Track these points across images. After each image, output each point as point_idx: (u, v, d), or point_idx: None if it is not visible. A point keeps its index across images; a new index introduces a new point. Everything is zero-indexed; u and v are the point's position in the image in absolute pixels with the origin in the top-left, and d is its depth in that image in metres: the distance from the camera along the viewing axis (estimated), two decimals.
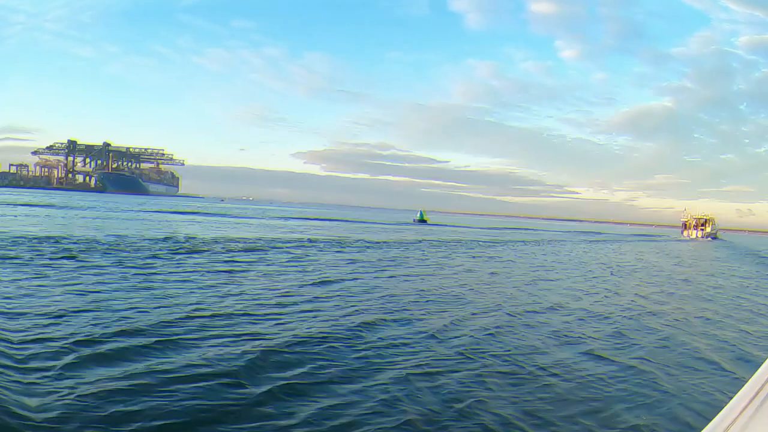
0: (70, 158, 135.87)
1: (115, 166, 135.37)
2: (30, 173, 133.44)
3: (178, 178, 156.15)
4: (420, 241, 22.79)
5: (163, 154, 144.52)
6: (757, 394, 0.88)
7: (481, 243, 25.91)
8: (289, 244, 16.27)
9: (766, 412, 1.17)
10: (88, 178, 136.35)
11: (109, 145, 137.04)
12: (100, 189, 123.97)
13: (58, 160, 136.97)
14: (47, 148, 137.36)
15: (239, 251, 13.06)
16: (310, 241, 18.52)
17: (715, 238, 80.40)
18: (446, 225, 51.94)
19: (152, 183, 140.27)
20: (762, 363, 0.97)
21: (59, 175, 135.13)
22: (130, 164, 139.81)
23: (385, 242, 20.92)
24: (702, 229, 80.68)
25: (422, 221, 52.58)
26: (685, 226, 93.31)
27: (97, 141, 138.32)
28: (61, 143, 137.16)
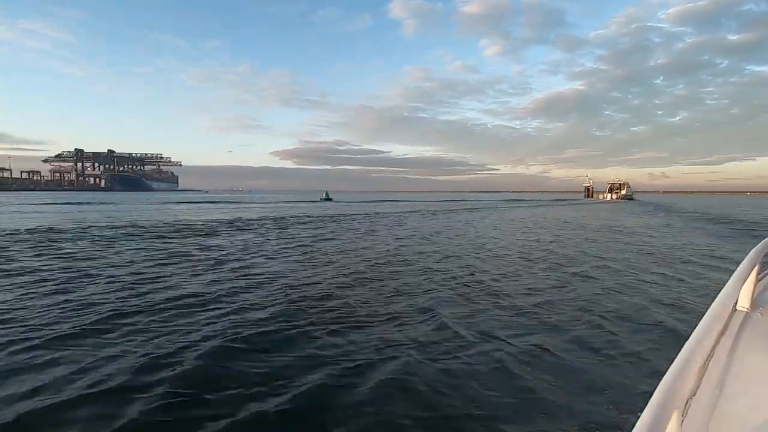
0: (79, 164, 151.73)
1: (120, 169, 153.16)
2: (42, 178, 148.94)
3: (177, 176, 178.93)
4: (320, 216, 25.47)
5: (162, 158, 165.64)
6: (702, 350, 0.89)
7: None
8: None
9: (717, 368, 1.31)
10: (98, 180, 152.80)
11: (113, 152, 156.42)
12: (108, 189, 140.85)
13: (71, 165, 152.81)
14: (56, 156, 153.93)
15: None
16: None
17: (631, 198, 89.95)
18: (347, 202, 57.91)
19: (155, 182, 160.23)
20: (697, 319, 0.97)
21: (71, 179, 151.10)
22: (134, 167, 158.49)
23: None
24: (617, 192, 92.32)
25: (328, 200, 60.40)
26: (587, 191, 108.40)
27: (101, 149, 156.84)
28: (69, 152, 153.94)
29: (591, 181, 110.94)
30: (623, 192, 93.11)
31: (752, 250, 1.85)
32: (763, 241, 2.00)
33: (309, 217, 24.25)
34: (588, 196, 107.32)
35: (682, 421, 1.10)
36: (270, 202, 50.23)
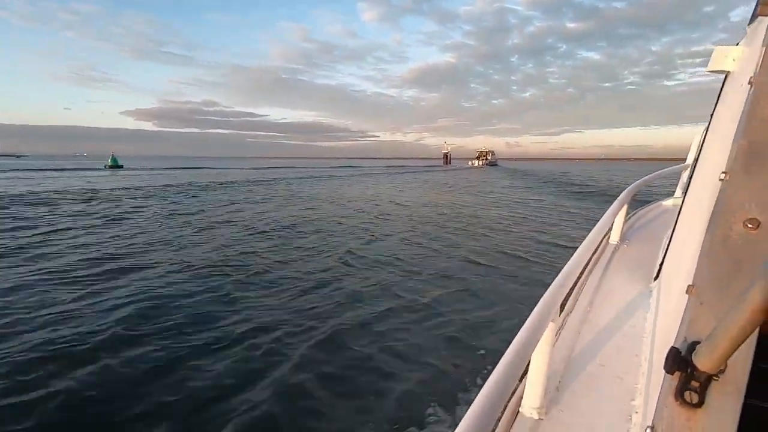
0: None
1: None
2: None
3: None
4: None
5: None
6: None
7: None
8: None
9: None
10: None
11: None
12: None
13: None
14: None
15: None
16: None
17: (495, 164, 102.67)
18: (143, 169, 52.45)
19: None
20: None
21: None
22: None
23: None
24: (484, 159, 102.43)
25: (117, 167, 48.24)
26: (446, 158, 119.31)
27: None
28: None
29: (449, 147, 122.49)
30: (489, 159, 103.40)
31: (622, 193, 2.30)
32: (630, 186, 2.55)
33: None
34: (446, 163, 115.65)
35: (560, 331, 1.39)
36: (48, 170, 44.47)
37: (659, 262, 1.85)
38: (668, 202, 3.81)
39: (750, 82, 1.02)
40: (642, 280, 1.88)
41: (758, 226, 0.80)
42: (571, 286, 1.14)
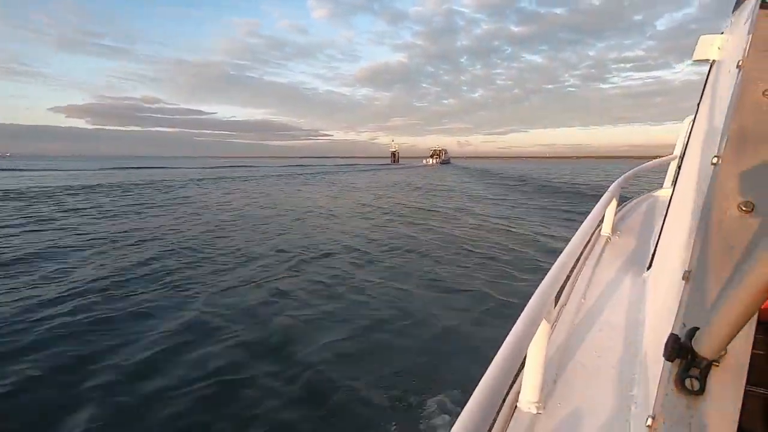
0: None
1: None
2: None
3: None
4: None
5: None
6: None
7: None
8: None
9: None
10: None
11: None
12: None
13: None
14: None
15: None
16: None
17: (448, 163, 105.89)
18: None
19: None
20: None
21: None
22: None
23: None
24: (438, 158, 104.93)
25: None
26: (393, 156, 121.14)
27: None
28: None
29: (397, 146, 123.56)
30: (442, 157, 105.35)
31: (611, 186, 2.23)
32: (619, 179, 2.44)
33: None
34: (394, 161, 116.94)
35: (555, 324, 1.36)
36: None
37: (651, 251, 1.84)
38: (658, 193, 3.84)
39: (738, 66, 1.03)
40: (635, 270, 1.86)
41: (753, 209, 0.80)
42: (564, 278, 1.13)
